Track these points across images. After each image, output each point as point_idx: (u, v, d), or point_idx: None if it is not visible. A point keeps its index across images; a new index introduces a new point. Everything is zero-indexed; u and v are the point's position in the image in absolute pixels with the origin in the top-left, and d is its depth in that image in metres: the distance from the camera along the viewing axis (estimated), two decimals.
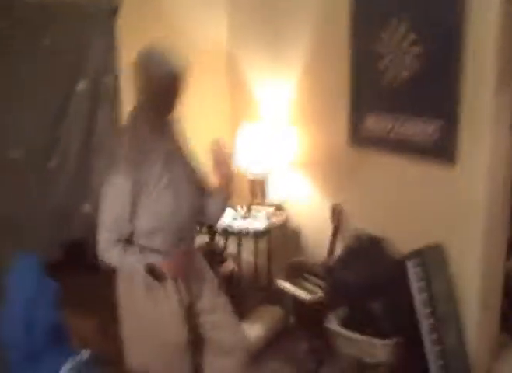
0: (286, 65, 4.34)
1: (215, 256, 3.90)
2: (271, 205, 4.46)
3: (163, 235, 2.39)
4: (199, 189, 2.60)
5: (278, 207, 4.45)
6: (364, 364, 3.32)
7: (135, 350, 2.46)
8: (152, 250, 2.37)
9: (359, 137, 3.80)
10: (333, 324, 3.45)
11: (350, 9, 3.68)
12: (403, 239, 3.56)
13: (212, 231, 4.03)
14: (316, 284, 3.74)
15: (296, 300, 3.74)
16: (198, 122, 4.71)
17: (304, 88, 4.24)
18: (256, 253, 4.56)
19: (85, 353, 2.48)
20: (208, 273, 2.74)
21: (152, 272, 2.34)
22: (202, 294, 2.60)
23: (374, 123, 3.67)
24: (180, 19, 4.55)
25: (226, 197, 2.67)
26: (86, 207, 4.58)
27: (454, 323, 3.31)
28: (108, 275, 4.87)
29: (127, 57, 4.48)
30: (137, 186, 2.27)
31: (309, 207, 4.35)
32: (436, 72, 3.23)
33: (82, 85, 4.41)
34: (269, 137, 4.33)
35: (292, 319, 3.96)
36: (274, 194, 4.58)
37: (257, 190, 4.54)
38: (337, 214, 3.98)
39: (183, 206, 2.44)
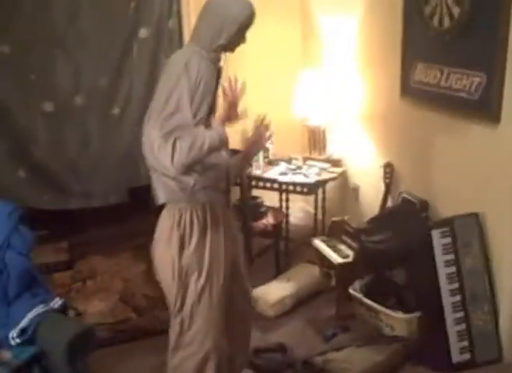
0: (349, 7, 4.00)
1: (249, 212, 3.77)
2: (328, 160, 4.22)
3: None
4: None
5: (336, 163, 4.20)
6: (382, 336, 3.09)
7: None
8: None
9: (409, 88, 3.45)
10: (356, 291, 3.24)
11: None
12: (445, 204, 3.23)
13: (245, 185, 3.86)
14: (351, 247, 3.49)
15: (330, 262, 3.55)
16: (269, 71, 4.57)
17: (364, 33, 3.90)
18: (316, 208, 4.37)
19: (56, 301, 2.55)
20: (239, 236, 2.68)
21: None
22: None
23: (422, 74, 3.30)
24: None
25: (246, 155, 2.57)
26: None
27: (486, 302, 2.94)
28: None
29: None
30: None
31: (365, 163, 4.06)
32: (482, 19, 2.80)
33: (144, 31, 4.42)
34: (332, 85, 4.08)
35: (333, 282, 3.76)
36: (334, 148, 4.33)
37: (316, 143, 4.32)
38: (388, 173, 3.68)
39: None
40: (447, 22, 3.01)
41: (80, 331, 2.37)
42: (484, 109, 2.87)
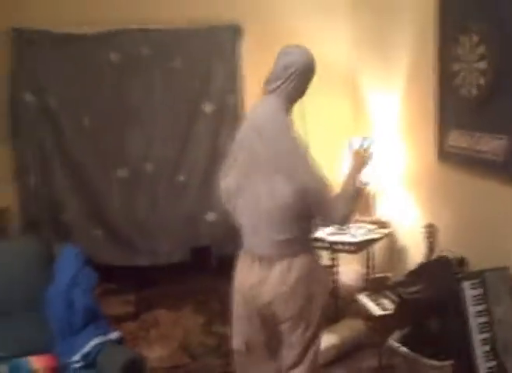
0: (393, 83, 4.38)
1: None
2: (376, 222, 4.48)
3: None
4: None
5: (383, 224, 4.45)
6: None
7: None
8: None
9: (444, 152, 3.74)
10: (393, 342, 3.41)
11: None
12: (482, 260, 3.40)
13: None
14: (392, 301, 3.70)
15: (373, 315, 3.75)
16: (321, 140, 4.94)
17: (405, 105, 4.25)
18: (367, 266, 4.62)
19: (114, 334, 2.90)
20: None
21: None
22: None
23: (456, 139, 3.59)
24: (302, 38, 4.79)
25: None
26: (211, 216, 5.05)
27: None
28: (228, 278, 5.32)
29: (250, 77, 4.90)
30: None
31: (410, 224, 4.30)
32: (505, 87, 3.10)
33: (208, 106, 4.90)
34: (379, 152, 4.39)
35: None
36: (382, 211, 4.60)
37: (365, 206, 4.59)
38: (430, 233, 3.90)
39: None
40: (474, 92, 3.33)
41: (131, 357, 2.71)
42: (508, 169, 3.11)
